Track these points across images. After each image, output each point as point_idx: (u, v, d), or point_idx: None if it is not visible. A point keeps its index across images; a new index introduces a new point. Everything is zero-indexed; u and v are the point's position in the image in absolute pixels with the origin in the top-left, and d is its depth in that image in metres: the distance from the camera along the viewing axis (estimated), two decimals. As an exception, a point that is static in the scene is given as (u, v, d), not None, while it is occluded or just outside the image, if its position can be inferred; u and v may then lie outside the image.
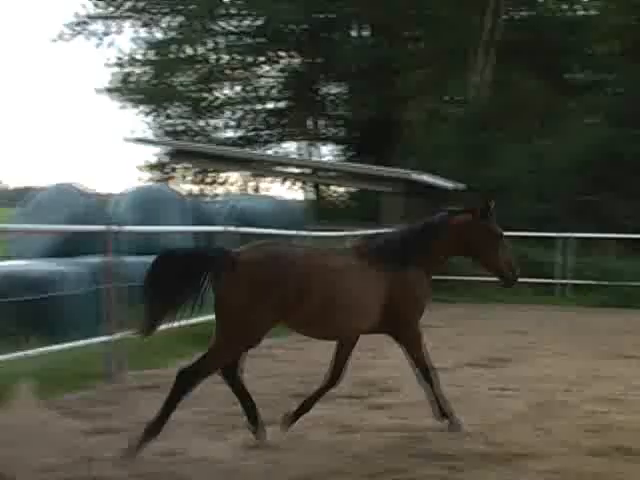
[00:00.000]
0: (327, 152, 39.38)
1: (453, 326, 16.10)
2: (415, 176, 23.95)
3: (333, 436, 7.50)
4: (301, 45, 37.12)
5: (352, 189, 33.81)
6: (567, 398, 9.20)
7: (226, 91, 38.62)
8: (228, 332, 6.95)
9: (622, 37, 32.88)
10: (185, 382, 6.77)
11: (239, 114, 38.42)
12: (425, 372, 7.81)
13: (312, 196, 36.96)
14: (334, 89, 38.72)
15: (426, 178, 24.65)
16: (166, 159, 34.12)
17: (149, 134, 36.42)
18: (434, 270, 8.06)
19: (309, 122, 38.70)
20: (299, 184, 37.15)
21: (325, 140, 39.12)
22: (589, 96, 32.52)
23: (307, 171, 30.59)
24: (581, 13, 35.53)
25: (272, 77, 38.62)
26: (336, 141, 38.67)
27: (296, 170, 30.80)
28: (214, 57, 37.53)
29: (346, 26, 37.19)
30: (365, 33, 37.58)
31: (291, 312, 7.08)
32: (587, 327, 16.42)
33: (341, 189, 36.63)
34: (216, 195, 35.25)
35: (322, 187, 36.78)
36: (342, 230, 18.94)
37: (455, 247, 8.03)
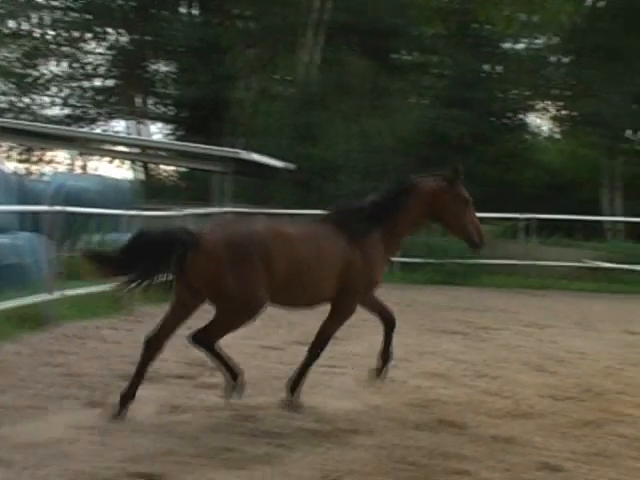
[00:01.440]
0: (156, 131, 38.95)
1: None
2: (244, 155, 23.91)
3: (161, 416, 7.39)
4: (129, 22, 36.44)
5: (182, 168, 33.57)
6: (394, 374, 9.35)
7: (52, 67, 37.55)
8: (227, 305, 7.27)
9: (447, 20, 33.66)
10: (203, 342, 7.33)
11: (66, 91, 37.47)
12: (316, 347, 7.93)
13: (141, 175, 36.50)
14: (163, 67, 38.22)
15: (256, 157, 24.64)
16: (-11, 137, 32.99)
17: (-30, 111, 35.11)
18: (404, 237, 8.27)
19: (138, 100, 38.12)
20: (128, 163, 36.61)
21: (154, 119, 38.63)
22: (416, 77, 33.13)
23: (136, 150, 30.18)
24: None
25: (100, 54, 37.77)
26: (165, 120, 38.23)
27: (125, 149, 30.35)
28: (39, 32, 36.43)
29: (175, 3, 36.72)
30: (194, 11, 37.20)
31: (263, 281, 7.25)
32: (414, 304, 16.79)
33: (170, 168, 36.32)
34: (43, 174, 34.31)
35: (151, 166, 36.37)
36: (171, 209, 18.73)
37: (425, 213, 8.13)
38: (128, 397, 7.31)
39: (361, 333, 12.30)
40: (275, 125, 31.51)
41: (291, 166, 27.10)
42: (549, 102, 36.28)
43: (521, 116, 36.52)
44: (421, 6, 34.28)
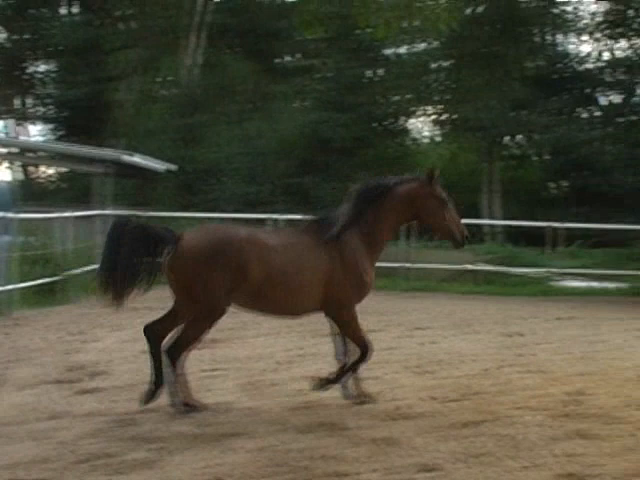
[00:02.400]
0: (36, 132, 38.18)
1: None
2: (126, 157, 23.60)
3: (39, 423, 7.24)
4: (7, 20, 35.67)
5: (62, 170, 32.98)
6: (275, 377, 9.37)
7: None
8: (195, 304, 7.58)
9: (326, 25, 33.82)
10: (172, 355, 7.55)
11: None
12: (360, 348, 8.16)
13: (20, 177, 35.75)
14: (43, 67, 37.52)
15: (137, 160, 24.34)
16: None
17: None
18: (385, 240, 8.33)
19: (16, 101, 37.34)
20: (6, 164, 35.76)
21: (34, 119, 37.90)
22: (300, 81, 33.26)
23: (14, 151, 29.46)
24: (291, -1, 36.19)
25: (-24, 53, 36.91)
26: (45, 121, 37.53)
27: (2, 150, 29.60)
28: None
29: (55, 3, 36.10)
30: (75, 10, 36.63)
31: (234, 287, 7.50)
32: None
33: (51, 170, 35.65)
34: None
35: (31, 168, 35.64)
36: (51, 212, 18.37)
37: (404, 215, 8.32)
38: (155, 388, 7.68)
39: (243, 336, 12.31)
40: (157, 127, 31.24)
41: (172, 167, 26.87)
42: (430, 107, 36.81)
43: (403, 120, 36.98)
44: (301, 10, 34.42)
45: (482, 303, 18.97)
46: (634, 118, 34.07)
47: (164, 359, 7.62)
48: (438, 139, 39.53)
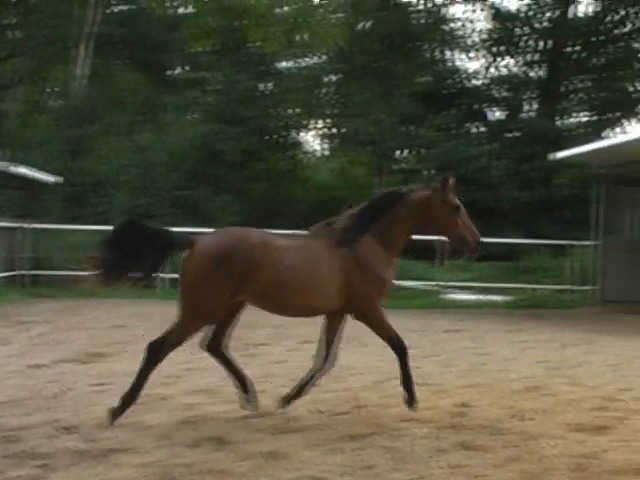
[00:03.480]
0: None
1: (51, 322, 15.78)
2: (12, 169, 23.13)
3: None
4: None
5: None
6: (164, 391, 9.27)
7: None
8: (187, 308, 7.69)
9: (214, 38, 33.83)
10: (154, 354, 7.72)
11: None
12: (395, 348, 8.48)
13: None
14: None
15: (24, 171, 23.89)
16: None
17: None
18: (398, 246, 8.42)
19: None
20: None
21: None
22: (190, 93, 33.14)
23: None
24: (181, 11, 36.09)
25: None
26: None
27: None
28: None
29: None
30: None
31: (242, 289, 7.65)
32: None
33: None
34: None
35: None
36: None
37: (416, 222, 8.38)
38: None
39: (131, 350, 12.15)
40: (45, 138, 30.72)
41: (59, 179, 26.44)
42: (321, 120, 37.04)
43: (294, 134, 37.15)
44: (190, 24, 34.34)
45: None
46: (519, 134, 34.90)
47: (144, 354, 7.82)
48: (328, 153, 39.83)
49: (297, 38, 33.35)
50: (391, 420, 8.15)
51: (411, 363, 12.00)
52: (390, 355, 12.78)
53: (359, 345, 14.06)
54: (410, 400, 8.36)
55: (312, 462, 6.65)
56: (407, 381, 8.40)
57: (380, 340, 12.39)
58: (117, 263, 7.68)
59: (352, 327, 16.25)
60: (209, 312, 7.78)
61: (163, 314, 17.77)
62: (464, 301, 22.24)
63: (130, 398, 7.63)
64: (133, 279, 7.90)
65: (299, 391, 8.45)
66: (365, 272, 8.10)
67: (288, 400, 8.40)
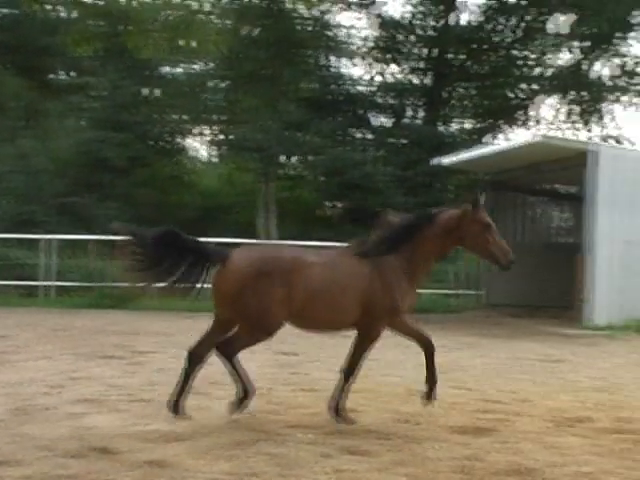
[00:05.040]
0: None
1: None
2: None
3: None
4: None
5: None
6: (47, 401, 9.13)
7: None
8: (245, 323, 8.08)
9: (97, 43, 33.40)
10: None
11: None
12: (351, 368, 8.59)
13: None
14: None
15: None
16: None
17: None
18: (427, 265, 8.64)
19: None
20: None
21: None
22: (74, 98, 32.65)
23: None
24: (64, 15, 35.46)
25: None
26: None
27: None
28: None
29: None
30: None
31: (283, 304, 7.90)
32: (70, 328, 16.49)
33: None
34: None
35: None
36: None
37: (448, 240, 8.51)
38: (177, 400, 8.34)
39: (14, 360, 11.96)
40: None
41: None
42: (207, 126, 36.91)
43: (180, 140, 36.94)
44: (73, 28, 33.79)
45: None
46: (404, 141, 35.34)
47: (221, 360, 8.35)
48: (215, 159, 39.72)
49: (182, 44, 33.11)
50: (277, 426, 8.18)
51: (298, 369, 12.17)
52: (276, 361, 12.94)
53: (247, 351, 14.05)
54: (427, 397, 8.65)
55: (198, 470, 6.63)
56: (340, 399, 8.56)
57: (266, 346, 12.50)
58: (160, 270, 7.99)
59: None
60: (268, 324, 8.10)
61: (46, 323, 17.61)
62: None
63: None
64: (179, 289, 8.22)
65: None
66: (383, 292, 8.23)
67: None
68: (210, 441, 7.56)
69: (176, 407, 8.31)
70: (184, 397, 8.36)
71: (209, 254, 8.12)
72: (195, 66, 35.12)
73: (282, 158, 33.83)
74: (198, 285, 8.19)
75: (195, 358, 8.38)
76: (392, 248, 8.34)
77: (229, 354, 8.31)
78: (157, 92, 33.92)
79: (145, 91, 33.49)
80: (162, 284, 8.13)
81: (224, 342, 8.25)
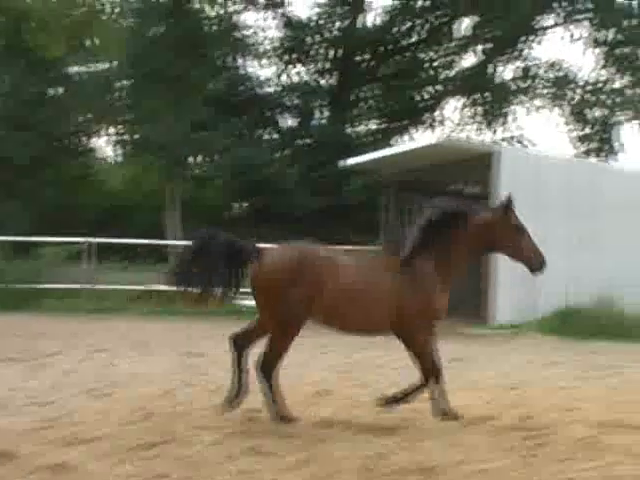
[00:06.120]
0: None
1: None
2: None
3: None
4: None
5: None
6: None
7: None
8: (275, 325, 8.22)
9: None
10: (265, 373, 8.28)
11: None
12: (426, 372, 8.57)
13: None
14: None
15: None
16: None
17: None
18: (459, 266, 8.65)
19: None
20: None
21: None
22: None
23: None
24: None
25: None
26: None
27: None
28: None
29: None
30: None
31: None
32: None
33: None
34: None
35: None
36: None
37: (480, 243, 8.58)
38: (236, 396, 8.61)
39: None
40: None
41: None
42: (113, 126, 36.46)
43: (85, 139, 36.45)
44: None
45: (165, 324, 19.02)
46: (310, 141, 35.45)
47: (258, 377, 8.34)
48: (121, 159, 39.28)
49: (87, 43, 32.60)
50: (182, 428, 8.13)
51: (203, 369, 12.12)
52: (182, 362, 12.85)
53: (151, 353, 14.01)
54: (391, 401, 8.78)
55: (100, 473, 6.58)
56: (404, 399, 8.72)
57: (172, 347, 12.42)
58: (201, 279, 8.21)
59: (146, 334, 16.17)
60: (296, 322, 8.25)
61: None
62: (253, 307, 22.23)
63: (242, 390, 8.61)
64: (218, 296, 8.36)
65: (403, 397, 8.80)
66: (416, 294, 8.29)
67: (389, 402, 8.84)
68: (114, 443, 7.49)
69: (238, 395, 8.64)
70: (240, 386, 8.64)
71: (244, 252, 8.27)
72: (100, 65, 34.59)
73: (188, 158, 33.58)
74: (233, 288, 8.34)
75: (238, 347, 8.63)
76: (424, 248, 8.40)
77: (242, 346, 8.60)
78: (61, 91, 33.43)
79: (50, 90, 32.97)
80: (201, 289, 8.27)
81: (242, 333, 8.61)
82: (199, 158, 34.68)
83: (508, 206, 8.61)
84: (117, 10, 31.10)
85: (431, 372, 8.58)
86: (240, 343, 8.60)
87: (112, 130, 36.56)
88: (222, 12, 33.28)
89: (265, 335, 8.47)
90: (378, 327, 8.57)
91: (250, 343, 8.64)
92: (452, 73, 38.48)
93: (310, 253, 8.24)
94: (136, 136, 33.99)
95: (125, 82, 33.88)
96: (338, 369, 12.72)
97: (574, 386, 11.60)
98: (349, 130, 37.91)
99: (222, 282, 8.24)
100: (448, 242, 8.47)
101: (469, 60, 38.22)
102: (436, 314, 8.53)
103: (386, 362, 13.33)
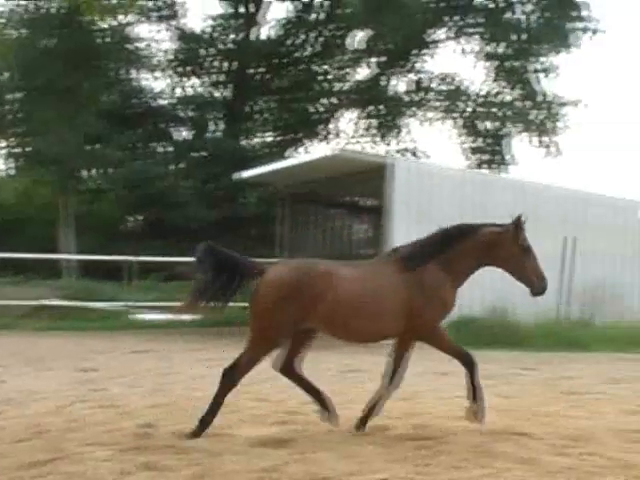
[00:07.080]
0: None
1: None
2: None
3: None
4: None
5: None
6: None
7: None
8: (256, 333, 8.21)
9: None
10: (229, 379, 8.25)
11: None
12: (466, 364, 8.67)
13: None
14: None
15: None
16: None
17: None
18: (460, 280, 8.57)
19: None
20: None
21: None
22: None
23: None
24: None
25: None
26: None
27: None
28: None
29: None
30: None
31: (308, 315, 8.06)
32: None
33: None
34: None
35: None
36: None
37: (484, 258, 8.54)
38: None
39: None
40: None
41: None
42: (4, 139, 35.76)
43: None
44: None
45: (59, 339, 18.76)
46: (205, 154, 35.36)
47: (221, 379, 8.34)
48: (13, 172, 38.55)
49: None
50: (74, 444, 8.01)
51: (97, 385, 12.00)
52: (76, 378, 12.69)
53: (44, 369, 13.81)
54: (480, 415, 8.64)
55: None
56: (477, 396, 8.64)
57: (65, 363, 12.28)
58: (205, 288, 8.16)
59: (39, 350, 15.93)
60: (274, 338, 8.21)
61: None
62: (154, 321, 22.17)
63: (207, 421, 8.29)
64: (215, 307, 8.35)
65: (370, 412, 8.77)
66: (427, 297, 8.27)
67: (363, 423, 8.78)
68: (4, 461, 7.35)
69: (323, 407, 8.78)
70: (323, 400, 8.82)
71: (246, 268, 8.24)
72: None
73: (82, 171, 33.17)
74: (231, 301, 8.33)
75: (288, 373, 8.80)
76: (430, 256, 8.40)
77: (292, 370, 8.79)
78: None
79: None
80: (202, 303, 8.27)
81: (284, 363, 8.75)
82: (93, 171, 34.27)
83: (518, 225, 8.65)
84: (2, 21, 30.58)
85: (467, 353, 8.76)
86: (289, 369, 8.79)
87: (3, 143, 35.86)
88: (115, 24, 32.93)
89: (304, 345, 8.73)
90: (385, 335, 8.58)
91: (294, 363, 8.79)
92: (346, 86, 38.79)
93: (309, 271, 8.18)
94: (28, 149, 33.42)
95: (17, 94, 33.29)
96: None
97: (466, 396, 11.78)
98: (244, 142, 37.94)
99: (232, 296, 8.28)
100: (453, 253, 8.49)
101: (363, 73, 38.65)
102: (448, 307, 8.63)
103: (277, 375, 13.36)
